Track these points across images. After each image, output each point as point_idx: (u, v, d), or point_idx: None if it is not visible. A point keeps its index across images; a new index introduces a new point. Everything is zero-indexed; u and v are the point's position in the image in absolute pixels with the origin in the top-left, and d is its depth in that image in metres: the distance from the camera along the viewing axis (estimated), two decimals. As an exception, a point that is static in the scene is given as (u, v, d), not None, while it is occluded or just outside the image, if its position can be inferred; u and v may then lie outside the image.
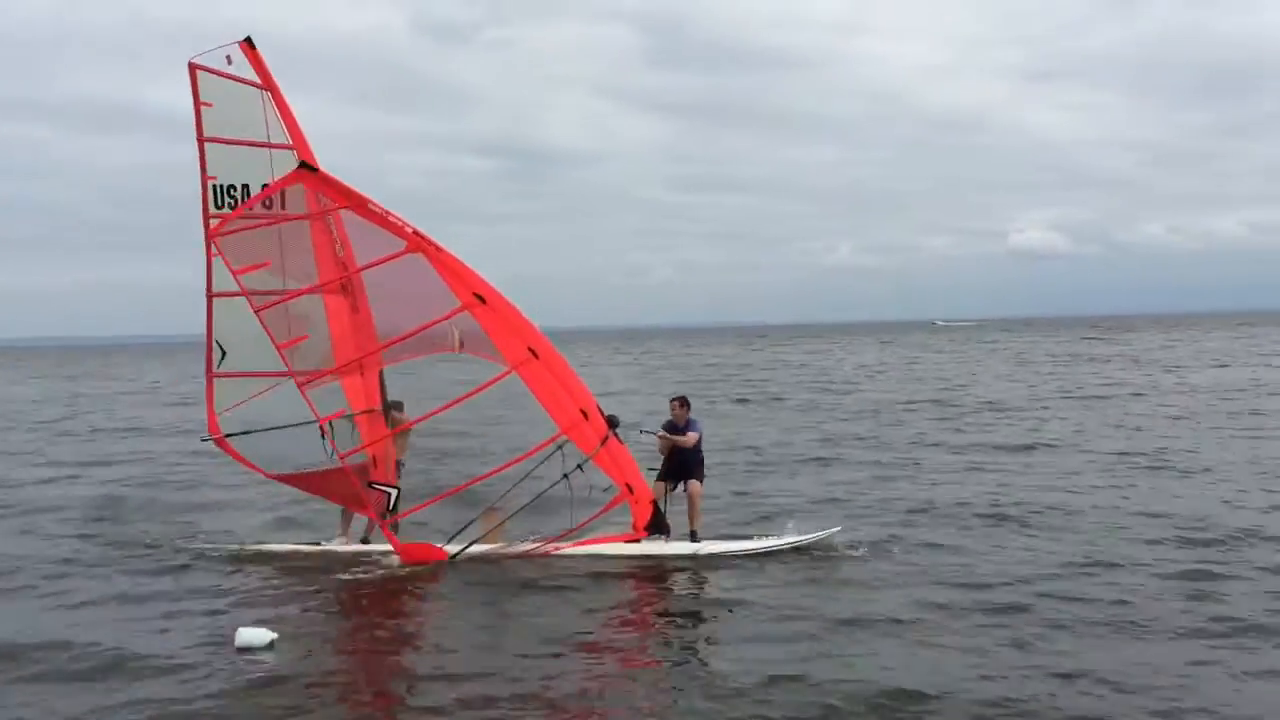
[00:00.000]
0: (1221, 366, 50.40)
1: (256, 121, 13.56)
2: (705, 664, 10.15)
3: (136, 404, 47.83)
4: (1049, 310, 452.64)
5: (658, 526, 14.08)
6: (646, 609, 12.45)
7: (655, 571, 13.47)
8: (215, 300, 13.91)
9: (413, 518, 14.47)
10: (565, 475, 13.59)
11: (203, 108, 13.43)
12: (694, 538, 14.11)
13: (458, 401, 14.02)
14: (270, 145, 13.62)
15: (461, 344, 13.84)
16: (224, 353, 14.05)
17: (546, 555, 13.77)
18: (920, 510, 16.46)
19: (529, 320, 13.90)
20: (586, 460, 13.63)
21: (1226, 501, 16.67)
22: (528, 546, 13.90)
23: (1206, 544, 13.84)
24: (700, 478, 14.43)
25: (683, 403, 14.67)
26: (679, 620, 11.56)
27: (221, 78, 13.45)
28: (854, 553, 13.69)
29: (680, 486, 14.48)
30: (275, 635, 10.59)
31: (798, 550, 13.75)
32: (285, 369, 13.81)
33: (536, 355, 13.66)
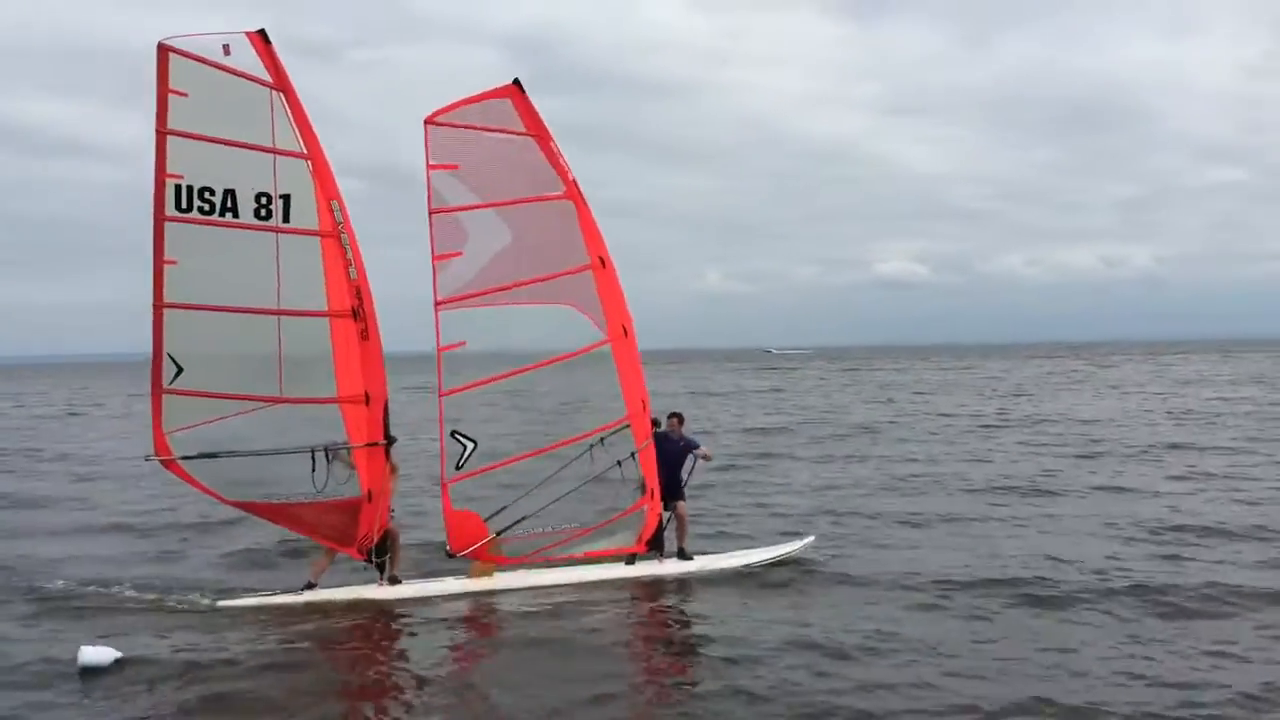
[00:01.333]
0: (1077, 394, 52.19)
1: (258, 122, 11.92)
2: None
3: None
4: (914, 338, 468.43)
5: (656, 544, 14.14)
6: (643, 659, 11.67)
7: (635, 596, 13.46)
8: (172, 312, 12.16)
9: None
10: (619, 462, 13.66)
11: (171, 96, 11.65)
12: (683, 554, 14.29)
13: (555, 360, 13.60)
14: (277, 151, 12.02)
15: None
16: (179, 368, 12.34)
17: (559, 560, 13.83)
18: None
19: (624, 299, 13.90)
20: (635, 452, 13.74)
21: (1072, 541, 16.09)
22: (549, 558, 13.79)
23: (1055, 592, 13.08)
24: (684, 496, 14.51)
25: (680, 419, 14.66)
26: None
27: (208, 66, 11.73)
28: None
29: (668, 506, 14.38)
30: (120, 654, 10.35)
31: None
32: (274, 394, 12.56)
33: (626, 335, 13.76)
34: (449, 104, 12.97)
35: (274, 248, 12.20)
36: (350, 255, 12.45)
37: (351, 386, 12.72)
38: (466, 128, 13.00)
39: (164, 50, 11.57)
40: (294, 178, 12.14)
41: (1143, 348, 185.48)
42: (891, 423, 38.17)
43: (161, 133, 11.68)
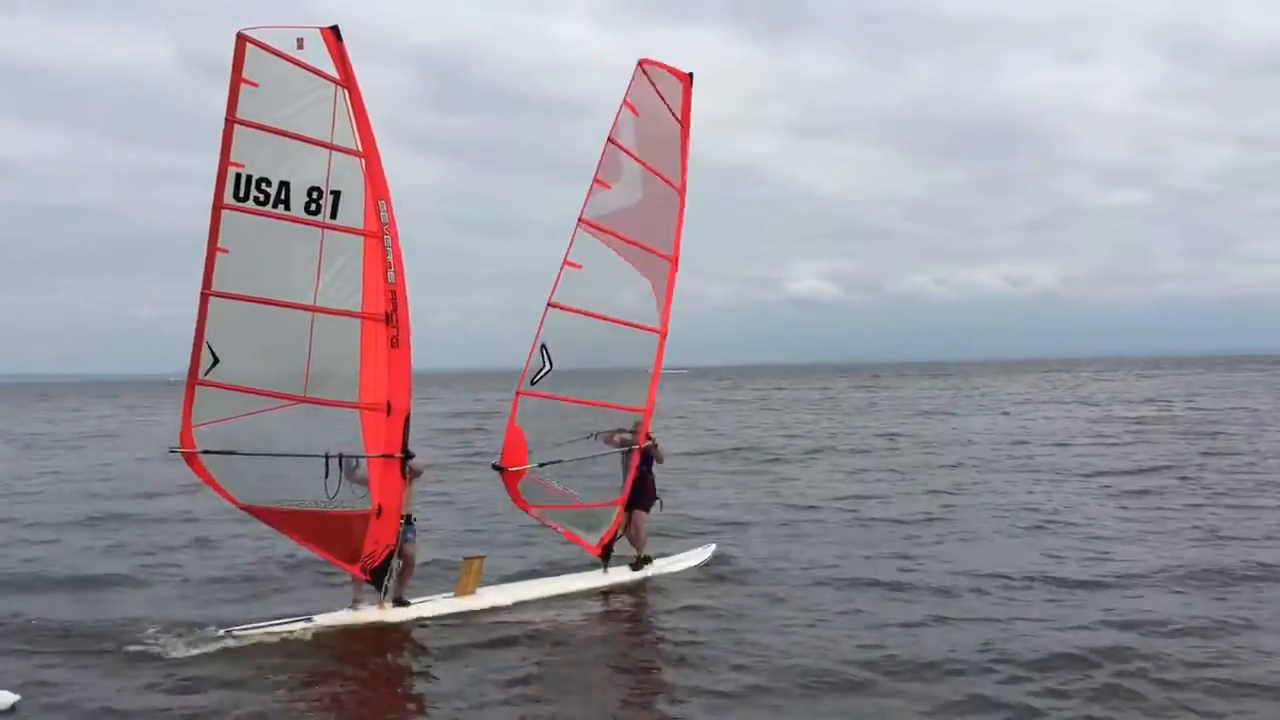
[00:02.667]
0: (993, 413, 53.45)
1: (320, 118, 11.99)
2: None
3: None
4: (828, 357, 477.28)
5: (606, 554, 14.77)
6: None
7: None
8: (219, 301, 11.86)
9: None
10: (625, 452, 14.59)
11: (243, 86, 11.63)
12: (638, 564, 14.93)
13: (624, 323, 14.49)
14: (333, 147, 12.07)
15: None
16: (215, 359, 12.00)
17: (552, 526, 14.46)
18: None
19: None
20: (632, 450, 14.65)
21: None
22: (543, 519, 14.36)
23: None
24: (647, 507, 14.99)
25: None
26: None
27: (281, 59, 11.76)
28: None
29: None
30: (18, 698, 10.09)
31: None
32: (298, 393, 12.33)
33: (664, 337, 14.86)
34: (658, 60, 14.53)
35: (319, 243, 12.14)
36: (391, 258, 12.38)
37: (374, 394, 12.56)
38: (655, 87, 14.39)
39: (242, 40, 11.64)
40: (346, 175, 12.18)
41: (1046, 365, 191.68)
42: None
43: (230, 121, 11.66)
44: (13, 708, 10.04)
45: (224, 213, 11.72)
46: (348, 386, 12.49)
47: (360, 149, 12.18)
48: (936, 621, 12.63)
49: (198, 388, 12.00)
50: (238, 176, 11.71)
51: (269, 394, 12.22)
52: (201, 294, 11.84)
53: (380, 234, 12.36)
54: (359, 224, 12.27)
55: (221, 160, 11.64)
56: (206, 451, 12.08)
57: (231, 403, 12.10)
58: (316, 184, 12.01)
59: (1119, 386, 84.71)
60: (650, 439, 14.75)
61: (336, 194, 12.10)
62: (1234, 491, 22.71)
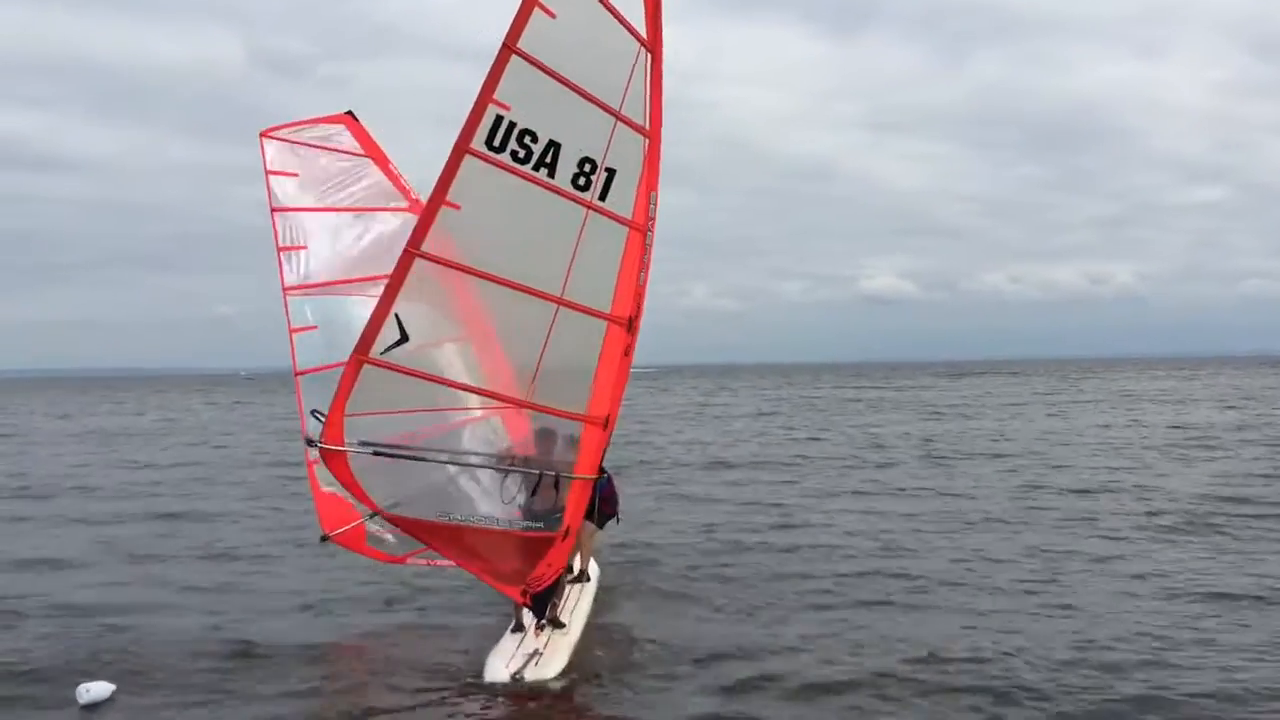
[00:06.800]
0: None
1: (615, 79, 9.97)
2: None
3: None
4: (903, 355, 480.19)
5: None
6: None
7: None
8: (426, 265, 9.53)
9: None
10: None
11: (537, 10, 9.28)
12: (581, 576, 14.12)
13: None
14: (621, 117, 10.10)
15: None
16: (403, 336, 9.66)
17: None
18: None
19: None
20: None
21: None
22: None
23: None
24: (597, 520, 13.05)
25: None
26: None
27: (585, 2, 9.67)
28: None
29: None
30: (115, 686, 10.64)
31: None
32: (517, 394, 10.47)
33: None
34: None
35: (580, 225, 10.14)
36: (647, 259, 10.60)
37: (601, 406, 10.73)
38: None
39: None
40: (626, 153, 10.20)
41: (1131, 364, 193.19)
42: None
43: (509, 48, 9.31)
44: (111, 696, 10.50)
45: (466, 158, 9.39)
46: (580, 396, 10.62)
47: (648, 128, 10.30)
48: None
49: (365, 366, 9.63)
50: (498, 119, 9.40)
51: (483, 392, 10.27)
52: (406, 251, 9.51)
53: (645, 229, 10.52)
54: (627, 213, 10.37)
55: (483, 93, 9.29)
56: (378, 452, 9.83)
57: (414, 394, 9.97)
58: (591, 155, 10.01)
59: (1199, 385, 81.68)
60: None
61: (611, 172, 10.14)
62: None
